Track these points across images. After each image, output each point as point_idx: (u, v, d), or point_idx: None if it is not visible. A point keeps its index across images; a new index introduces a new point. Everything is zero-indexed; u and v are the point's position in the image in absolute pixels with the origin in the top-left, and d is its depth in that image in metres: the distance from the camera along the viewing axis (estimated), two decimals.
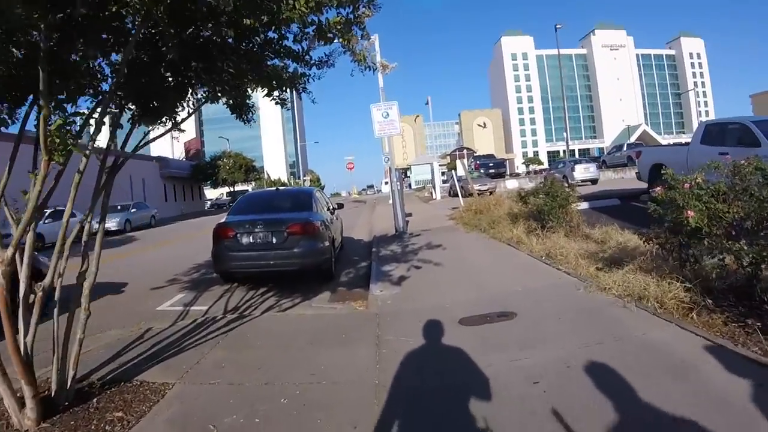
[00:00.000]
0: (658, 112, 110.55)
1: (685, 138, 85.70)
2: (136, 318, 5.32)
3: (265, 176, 54.30)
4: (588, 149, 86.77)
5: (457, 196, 23.69)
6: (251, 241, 6.28)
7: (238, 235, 6.32)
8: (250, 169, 40.57)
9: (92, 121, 3.01)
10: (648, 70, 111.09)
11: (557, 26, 28.04)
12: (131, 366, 3.71)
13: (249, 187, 40.60)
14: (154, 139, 3.61)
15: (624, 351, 3.18)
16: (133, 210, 23.78)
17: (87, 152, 2.87)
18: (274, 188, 8.06)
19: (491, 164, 31.25)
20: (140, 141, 3.54)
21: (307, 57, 3.89)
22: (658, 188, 4.39)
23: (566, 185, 7.73)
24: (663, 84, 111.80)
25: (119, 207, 23.59)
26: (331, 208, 8.52)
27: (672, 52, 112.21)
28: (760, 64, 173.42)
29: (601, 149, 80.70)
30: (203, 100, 4.03)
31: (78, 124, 2.88)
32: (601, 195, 13.96)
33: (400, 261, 7.34)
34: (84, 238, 3.14)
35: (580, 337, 3.53)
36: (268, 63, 3.82)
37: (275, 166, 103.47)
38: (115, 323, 5.10)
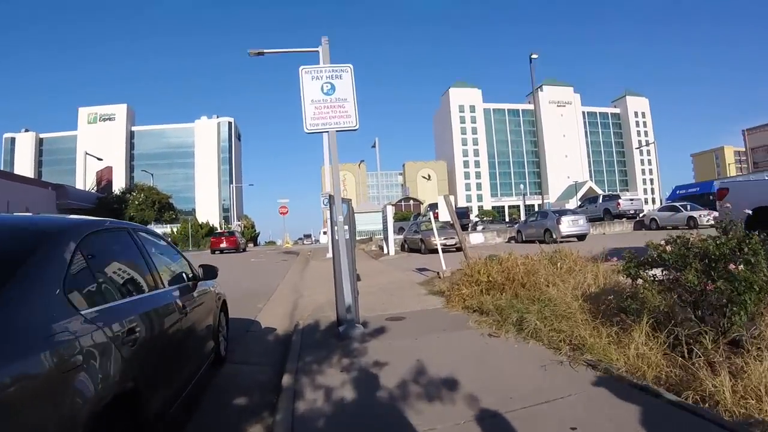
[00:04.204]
0: (603, 170, 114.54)
1: (629, 195, 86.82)
2: None
3: (190, 219, 46.77)
4: (532, 205, 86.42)
5: (416, 251, 19.02)
6: None
7: None
8: (164, 207, 33.36)
9: None
10: (593, 127, 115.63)
11: (532, 56, 24.59)
12: None
13: (161, 231, 33.33)
14: None
15: None
16: None
17: None
18: None
19: None
20: None
21: None
22: None
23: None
24: (608, 142, 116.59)
25: None
26: (188, 275, 3.35)
27: (617, 110, 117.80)
28: (699, 125, 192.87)
29: (549, 204, 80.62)
30: None
31: None
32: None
33: None
34: None
35: None
36: None
37: (208, 211, 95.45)
38: None
